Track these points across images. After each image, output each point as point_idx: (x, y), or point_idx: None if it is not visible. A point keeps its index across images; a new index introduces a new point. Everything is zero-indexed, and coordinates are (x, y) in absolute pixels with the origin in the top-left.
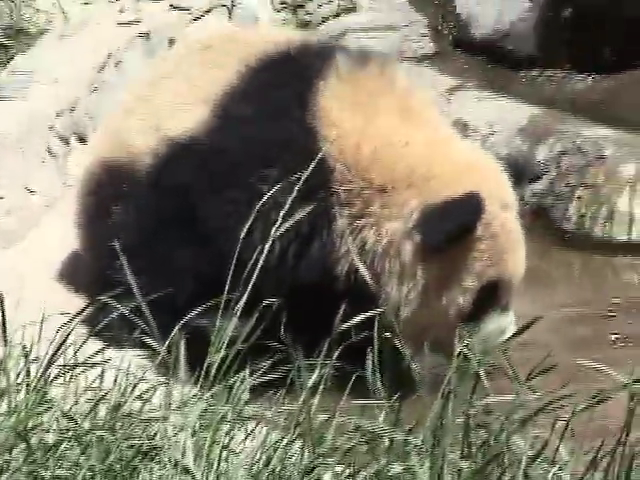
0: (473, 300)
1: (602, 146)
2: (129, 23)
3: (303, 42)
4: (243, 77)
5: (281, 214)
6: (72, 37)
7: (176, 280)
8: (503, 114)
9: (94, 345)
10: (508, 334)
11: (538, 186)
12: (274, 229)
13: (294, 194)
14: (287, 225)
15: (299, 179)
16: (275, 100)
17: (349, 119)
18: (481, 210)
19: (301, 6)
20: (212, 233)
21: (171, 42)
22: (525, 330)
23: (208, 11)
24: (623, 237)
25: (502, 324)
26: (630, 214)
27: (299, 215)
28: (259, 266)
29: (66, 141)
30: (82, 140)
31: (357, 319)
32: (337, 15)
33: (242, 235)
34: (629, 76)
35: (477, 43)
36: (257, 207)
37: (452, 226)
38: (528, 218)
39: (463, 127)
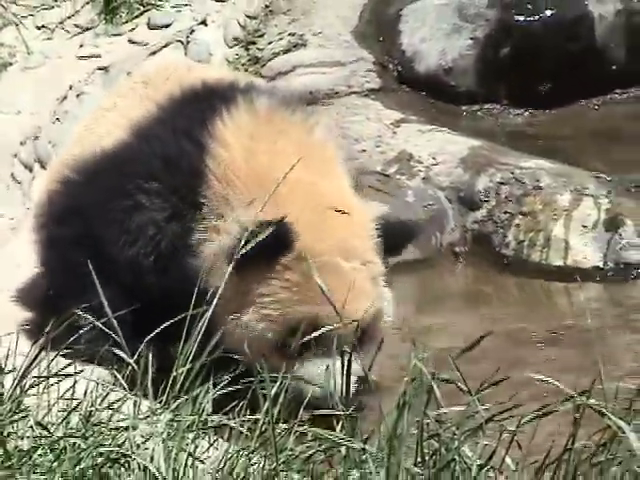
0: (284, 335)
1: (539, 176)
2: (89, 57)
3: (230, 80)
4: (163, 106)
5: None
6: (35, 70)
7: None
8: (445, 146)
9: (66, 358)
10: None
11: (479, 214)
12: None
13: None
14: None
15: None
16: (181, 123)
17: (240, 145)
18: (285, 239)
19: (253, 42)
20: (104, 243)
21: (129, 75)
22: (476, 344)
23: (165, 46)
24: (559, 262)
25: (319, 370)
26: (565, 241)
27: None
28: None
29: (30, 168)
30: (44, 167)
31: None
32: (287, 51)
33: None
34: (564, 110)
35: (421, 79)
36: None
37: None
38: (469, 244)
39: (408, 158)
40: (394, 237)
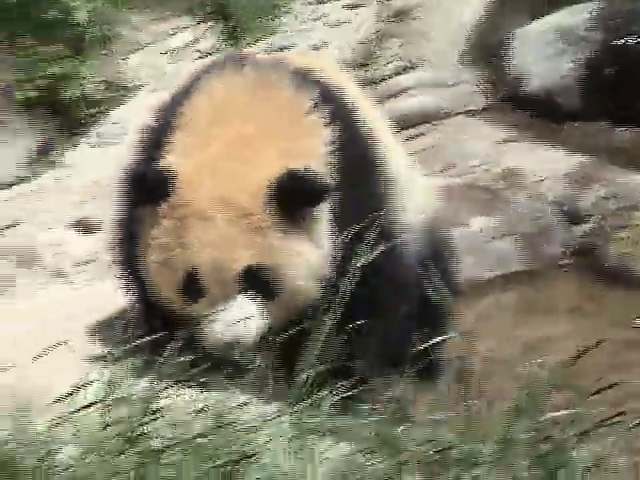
0: (176, 279)
1: None
2: None
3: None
4: None
5: None
6: (163, 91)
7: None
8: (551, 162)
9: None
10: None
11: (583, 228)
12: None
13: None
14: None
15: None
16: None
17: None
18: (165, 186)
19: (364, 65)
20: None
21: None
22: (585, 352)
23: None
24: None
25: (213, 316)
26: None
27: None
28: None
29: None
30: None
31: None
32: (398, 73)
33: None
34: None
35: (527, 98)
36: None
37: (137, 186)
38: (574, 257)
39: (514, 174)
40: (298, 193)
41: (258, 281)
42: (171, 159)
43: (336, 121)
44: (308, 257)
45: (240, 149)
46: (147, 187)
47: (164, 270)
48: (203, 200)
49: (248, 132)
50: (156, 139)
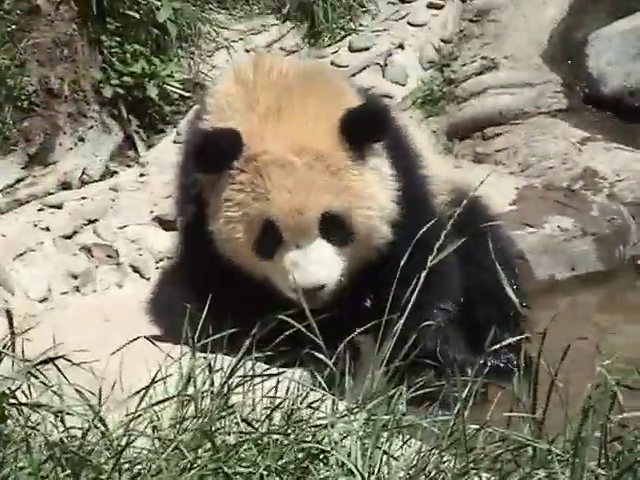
0: (251, 235)
1: None
2: None
3: None
4: None
5: None
6: None
7: None
8: (629, 163)
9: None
10: (302, 271)
11: None
12: None
13: None
14: None
15: None
16: None
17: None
18: (234, 144)
19: (447, 65)
20: None
21: None
22: None
23: (364, 68)
24: None
25: (287, 262)
26: None
27: None
28: None
29: None
30: None
31: None
32: (479, 73)
33: None
34: None
35: (606, 99)
36: None
37: (203, 155)
38: None
39: (593, 175)
40: (361, 125)
41: (335, 225)
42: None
43: None
44: (380, 199)
45: (294, 99)
46: (213, 152)
47: (240, 226)
48: (278, 147)
49: (295, 87)
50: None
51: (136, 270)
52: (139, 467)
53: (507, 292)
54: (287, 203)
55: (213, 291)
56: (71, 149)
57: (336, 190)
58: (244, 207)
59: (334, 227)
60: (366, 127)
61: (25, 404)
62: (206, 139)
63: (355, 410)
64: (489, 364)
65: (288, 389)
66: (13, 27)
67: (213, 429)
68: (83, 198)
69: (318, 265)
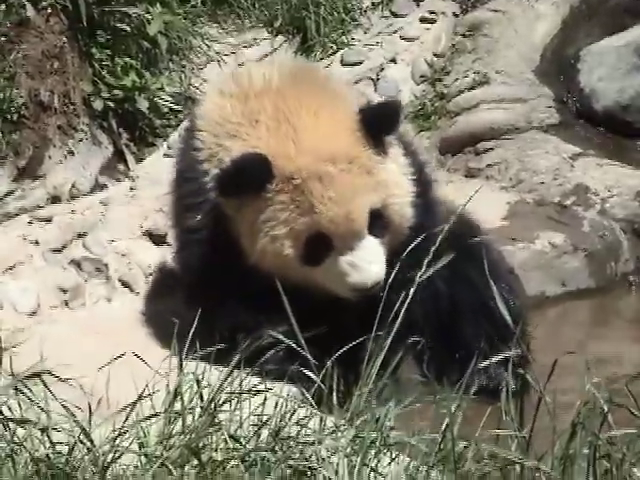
0: (299, 249)
1: None
2: None
3: None
4: None
5: None
6: None
7: None
8: (621, 179)
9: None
10: (362, 271)
11: None
12: None
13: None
14: None
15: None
16: None
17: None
18: (264, 170)
19: (439, 80)
20: None
21: None
22: None
23: (356, 82)
24: None
25: (344, 265)
26: None
27: None
28: None
29: None
30: None
31: None
32: (471, 88)
33: None
34: None
35: (598, 115)
36: None
37: (230, 180)
38: None
39: (584, 190)
40: (380, 120)
41: (377, 220)
42: (243, 147)
43: None
44: (403, 185)
45: (295, 105)
46: (243, 178)
47: (288, 242)
48: (309, 161)
49: (287, 92)
50: None
51: (126, 284)
52: None
53: (500, 309)
54: (335, 213)
55: (230, 299)
56: (61, 162)
57: (374, 187)
58: (290, 224)
59: (377, 221)
60: (384, 122)
61: (11, 419)
62: (235, 166)
63: (343, 427)
64: (478, 381)
65: (276, 406)
66: (2, 39)
67: (200, 446)
68: (73, 212)
69: (374, 263)
